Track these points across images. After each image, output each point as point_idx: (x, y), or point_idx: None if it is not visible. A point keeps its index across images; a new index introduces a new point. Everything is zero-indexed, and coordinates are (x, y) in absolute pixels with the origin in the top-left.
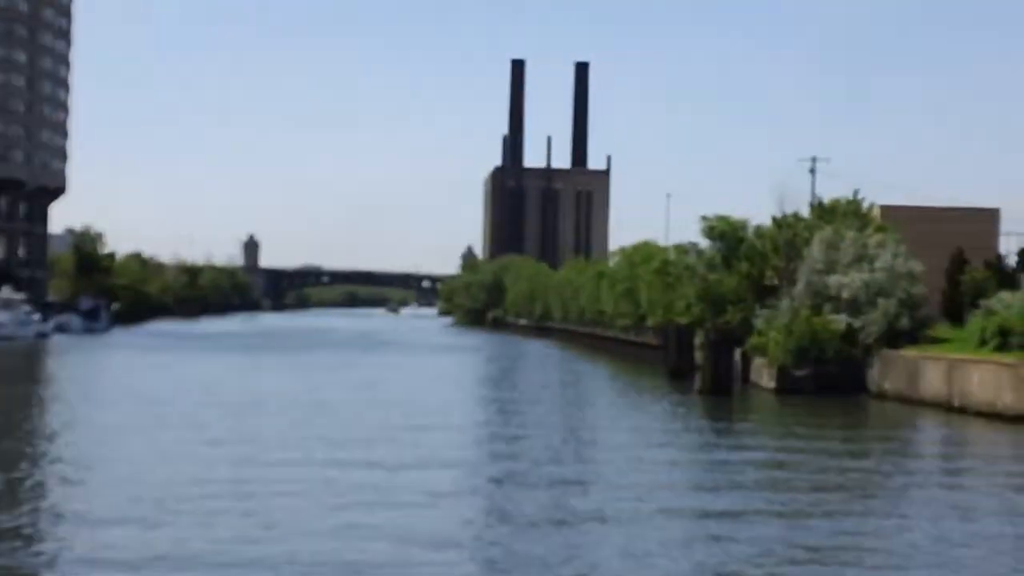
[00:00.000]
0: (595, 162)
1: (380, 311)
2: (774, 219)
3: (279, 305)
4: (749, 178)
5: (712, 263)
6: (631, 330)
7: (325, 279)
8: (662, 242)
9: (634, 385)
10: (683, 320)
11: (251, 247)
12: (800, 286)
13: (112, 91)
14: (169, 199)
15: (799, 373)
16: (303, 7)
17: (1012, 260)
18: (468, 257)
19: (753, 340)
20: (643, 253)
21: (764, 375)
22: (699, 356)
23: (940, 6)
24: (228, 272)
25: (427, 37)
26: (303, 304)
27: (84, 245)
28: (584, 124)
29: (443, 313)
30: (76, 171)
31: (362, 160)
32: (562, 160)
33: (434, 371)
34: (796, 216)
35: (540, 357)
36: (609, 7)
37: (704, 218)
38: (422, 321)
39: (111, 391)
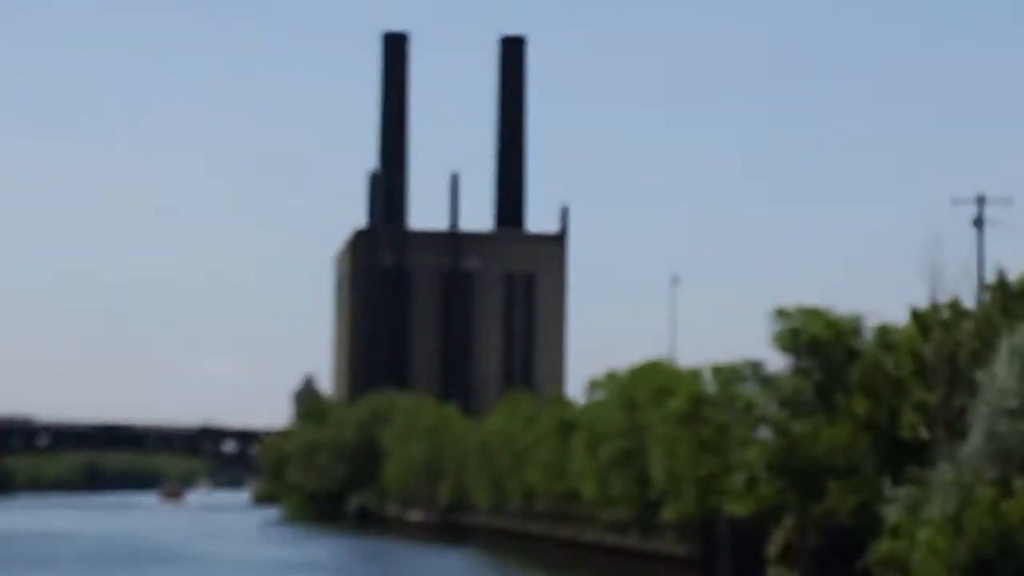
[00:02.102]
0: (539, 221)
1: (153, 498)
2: (915, 315)
3: None
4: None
5: (798, 399)
6: (631, 528)
7: (43, 440)
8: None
9: None
10: (740, 510)
11: None
12: (975, 440)
13: None
14: None
15: None
16: None
17: None
18: (307, 396)
19: (884, 546)
20: (652, 383)
21: None
22: None
23: None
24: None
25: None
26: (4, 487)
27: None
28: (519, 152)
29: (262, 500)
30: None
31: (111, 231)
32: (479, 216)
33: None
34: (958, 308)
35: None
36: None
37: (782, 313)
38: (225, 516)
39: None
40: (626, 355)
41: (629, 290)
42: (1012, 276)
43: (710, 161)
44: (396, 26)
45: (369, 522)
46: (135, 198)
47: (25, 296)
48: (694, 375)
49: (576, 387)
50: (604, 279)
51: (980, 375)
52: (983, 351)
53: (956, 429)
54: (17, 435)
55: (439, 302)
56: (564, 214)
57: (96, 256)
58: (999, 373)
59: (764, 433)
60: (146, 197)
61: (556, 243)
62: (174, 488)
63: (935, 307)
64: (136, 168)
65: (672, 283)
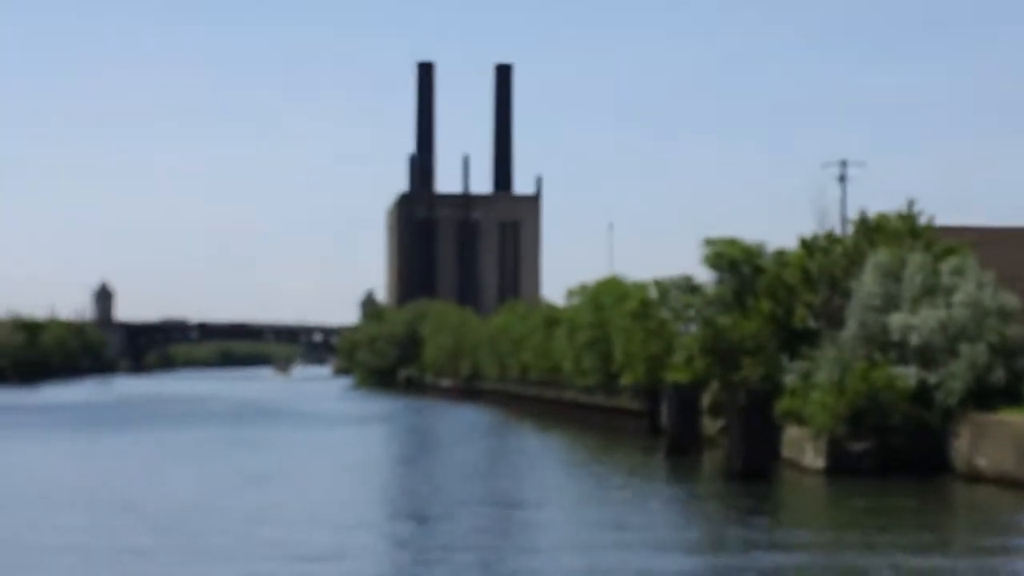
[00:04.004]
0: (522, 186)
1: (268, 372)
2: (803, 242)
3: (139, 367)
4: (713, 198)
5: (722, 301)
6: (597, 391)
7: (193, 334)
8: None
9: (617, 467)
10: (680, 377)
11: (103, 297)
12: (850, 329)
13: None
14: None
15: (856, 447)
16: None
17: None
18: (369, 304)
19: (785, 403)
20: (613, 291)
21: (807, 450)
22: (709, 425)
23: None
24: (76, 328)
25: (311, 36)
26: (168, 365)
27: None
28: (508, 140)
29: (340, 372)
30: None
31: (233, 187)
32: (482, 184)
33: (342, 453)
34: (832, 237)
35: (475, 429)
36: None
37: (709, 241)
38: (316, 384)
39: None
40: (581, 276)
41: (582, 232)
42: (870, 215)
43: (641, 132)
44: (425, 58)
45: (413, 387)
46: (263, 172)
47: (182, 230)
48: (643, 287)
49: (548, 297)
50: (566, 225)
51: (853, 284)
52: (851, 267)
53: (835, 321)
54: (176, 330)
55: (455, 242)
56: (539, 182)
57: (236, 208)
58: (866, 281)
59: (698, 325)
60: (264, 168)
61: (534, 201)
62: (283, 365)
63: (816, 236)
64: (258, 146)
65: (609, 228)
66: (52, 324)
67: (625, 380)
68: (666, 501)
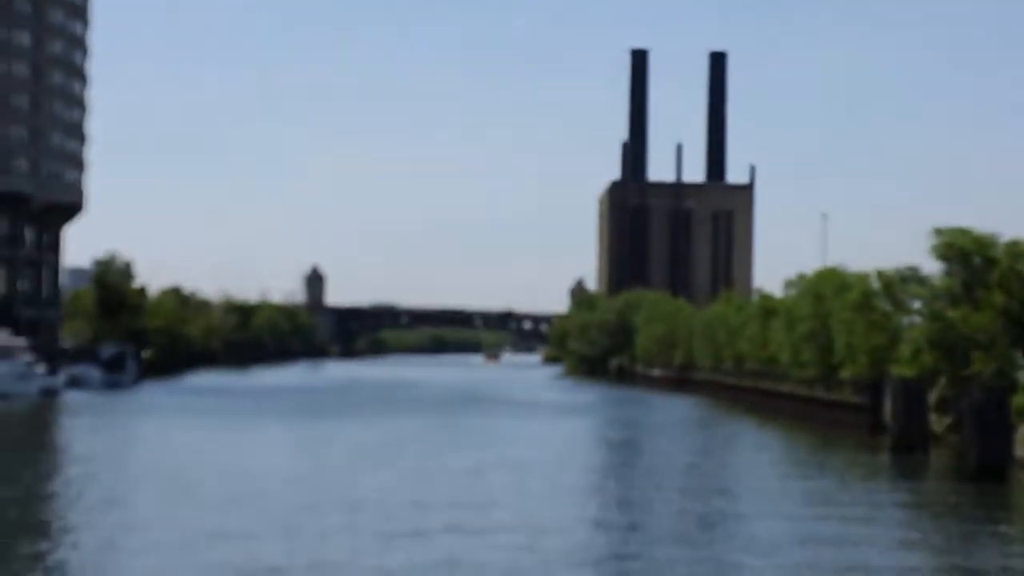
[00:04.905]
0: (735, 175)
1: (477, 359)
2: None
3: (349, 351)
4: (929, 194)
5: (950, 294)
6: (816, 384)
7: (403, 320)
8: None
9: (839, 465)
10: (906, 371)
11: (315, 281)
12: None
13: (139, 85)
14: (213, 221)
15: None
16: None
17: None
18: (579, 292)
19: (1021, 400)
20: (833, 282)
21: None
22: (935, 422)
23: None
24: (287, 311)
25: (524, 26)
26: (378, 350)
27: (108, 278)
28: (721, 128)
29: (549, 360)
30: (95, 184)
31: (444, 175)
32: (695, 172)
33: (562, 449)
34: None
35: (688, 421)
36: None
37: (938, 231)
38: (525, 372)
39: (119, 499)
40: (793, 266)
41: (797, 222)
42: None
43: (858, 120)
44: (638, 45)
45: (623, 376)
46: (475, 160)
47: (393, 217)
48: (864, 277)
49: (761, 287)
50: (779, 214)
51: None
52: None
53: None
54: (387, 316)
55: (667, 230)
56: (752, 171)
57: (447, 196)
58: None
59: (915, 320)
60: (476, 156)
61: (747, 191)
62: (494, 352)
63: None
64: (470, 134)
65: (823, 218)
66: (264, 307)
67: (845, 373)
68: (897, 504)
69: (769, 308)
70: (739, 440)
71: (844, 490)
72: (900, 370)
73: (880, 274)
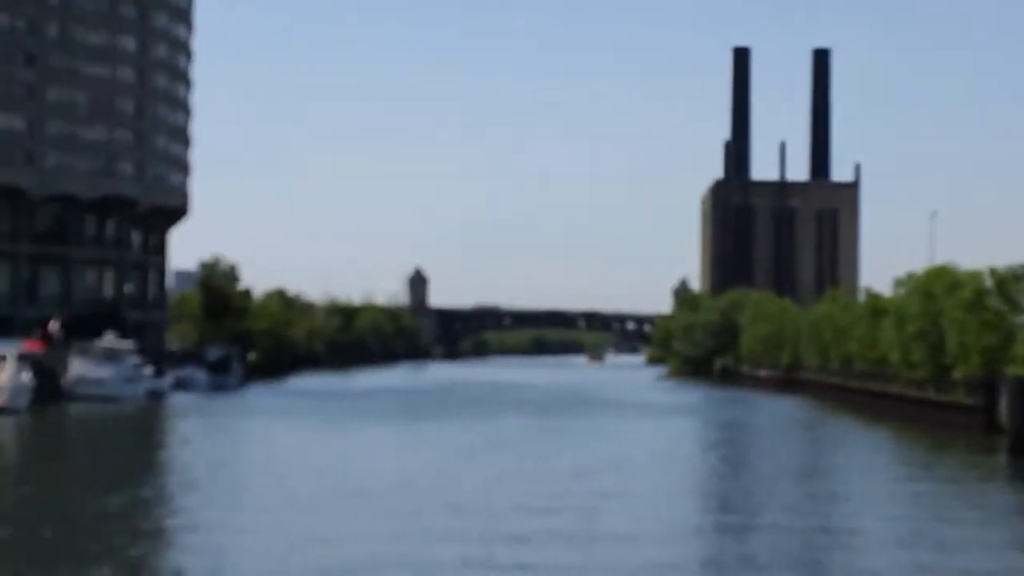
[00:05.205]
0: (840, 173)
1: (581, 360)
2: None
3: (452, 352)
4: None
5: None
6: (927, 384)
7: (506, 321)
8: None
9: (955, 467)
10: (1023, 371)
11: (418, 283)
12: None
13: (243, 88)
14: (315, 224)
15: None
16: None
17: None
18: (683, 292)
19: None
20: (944, 281)
21: None
22: None
23: None
24: (390, 313)
25: (626, 26)
26: (481, 351)
27: (213, 280)
28: (825, 126)
29: (653, 361)
30: (200, 188)
31: (546, 176)
32: (799, 171)
33: (668, 450)
34: None
35: (797, 423)
36: None
37: None
38: (629, 373)
39: (227, 501)
40: (900, 265)
41: (904, 220)
42: None
43: (965, 117)
44: (741, 43)
45: (728, 377)
46: (577, 160)
47: (495, 218)
48: (976, 275)
49: (868, 286)
50: (885, 213)
51: None
52: None
53: None
54: (490, 318)
55: (771, 230)
56: (857, 169)
57: (549, 196)
58: None
59: None
60: (578, 155)
61: (852, 189)
62: (598, 353)
63: None
64: (572, 133)
65: (931, 216)
66: (367, 308)
67: (958, 373)
68: (1017, 506)
69: (878, 307)
70: (849, 442)
71: (962, 493)
72: (1017, 369)
73: (993, 272)
